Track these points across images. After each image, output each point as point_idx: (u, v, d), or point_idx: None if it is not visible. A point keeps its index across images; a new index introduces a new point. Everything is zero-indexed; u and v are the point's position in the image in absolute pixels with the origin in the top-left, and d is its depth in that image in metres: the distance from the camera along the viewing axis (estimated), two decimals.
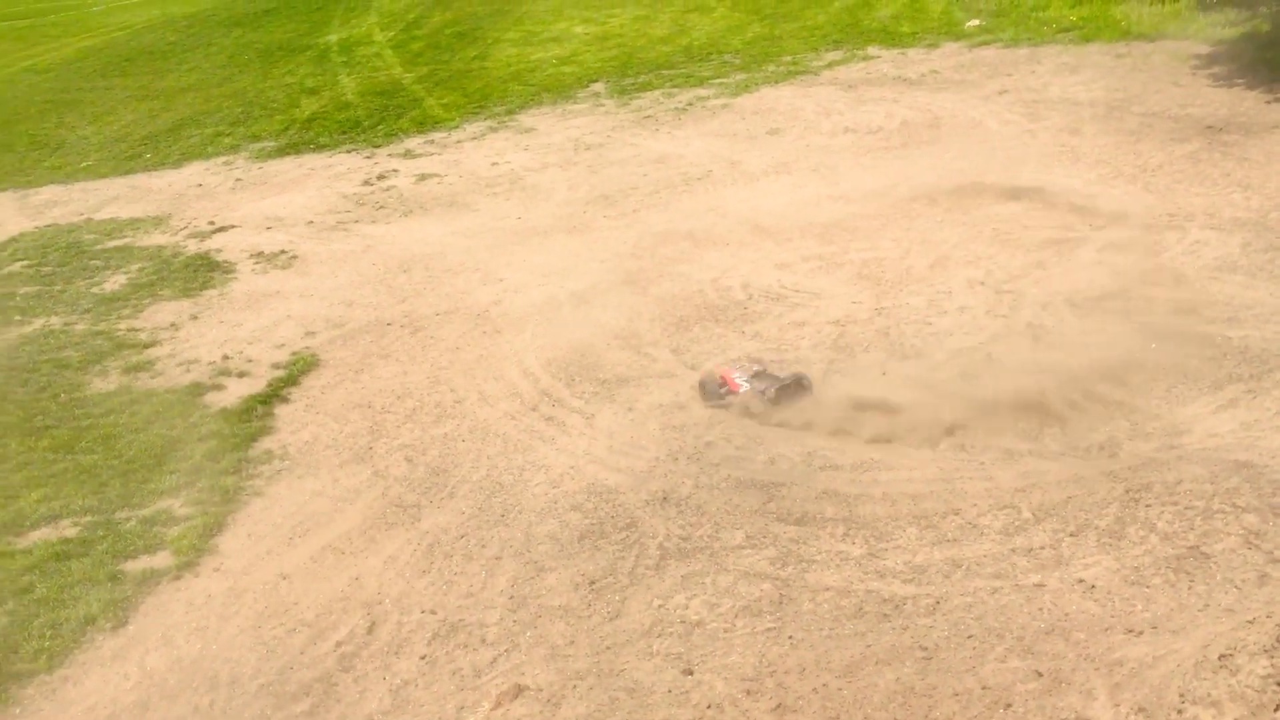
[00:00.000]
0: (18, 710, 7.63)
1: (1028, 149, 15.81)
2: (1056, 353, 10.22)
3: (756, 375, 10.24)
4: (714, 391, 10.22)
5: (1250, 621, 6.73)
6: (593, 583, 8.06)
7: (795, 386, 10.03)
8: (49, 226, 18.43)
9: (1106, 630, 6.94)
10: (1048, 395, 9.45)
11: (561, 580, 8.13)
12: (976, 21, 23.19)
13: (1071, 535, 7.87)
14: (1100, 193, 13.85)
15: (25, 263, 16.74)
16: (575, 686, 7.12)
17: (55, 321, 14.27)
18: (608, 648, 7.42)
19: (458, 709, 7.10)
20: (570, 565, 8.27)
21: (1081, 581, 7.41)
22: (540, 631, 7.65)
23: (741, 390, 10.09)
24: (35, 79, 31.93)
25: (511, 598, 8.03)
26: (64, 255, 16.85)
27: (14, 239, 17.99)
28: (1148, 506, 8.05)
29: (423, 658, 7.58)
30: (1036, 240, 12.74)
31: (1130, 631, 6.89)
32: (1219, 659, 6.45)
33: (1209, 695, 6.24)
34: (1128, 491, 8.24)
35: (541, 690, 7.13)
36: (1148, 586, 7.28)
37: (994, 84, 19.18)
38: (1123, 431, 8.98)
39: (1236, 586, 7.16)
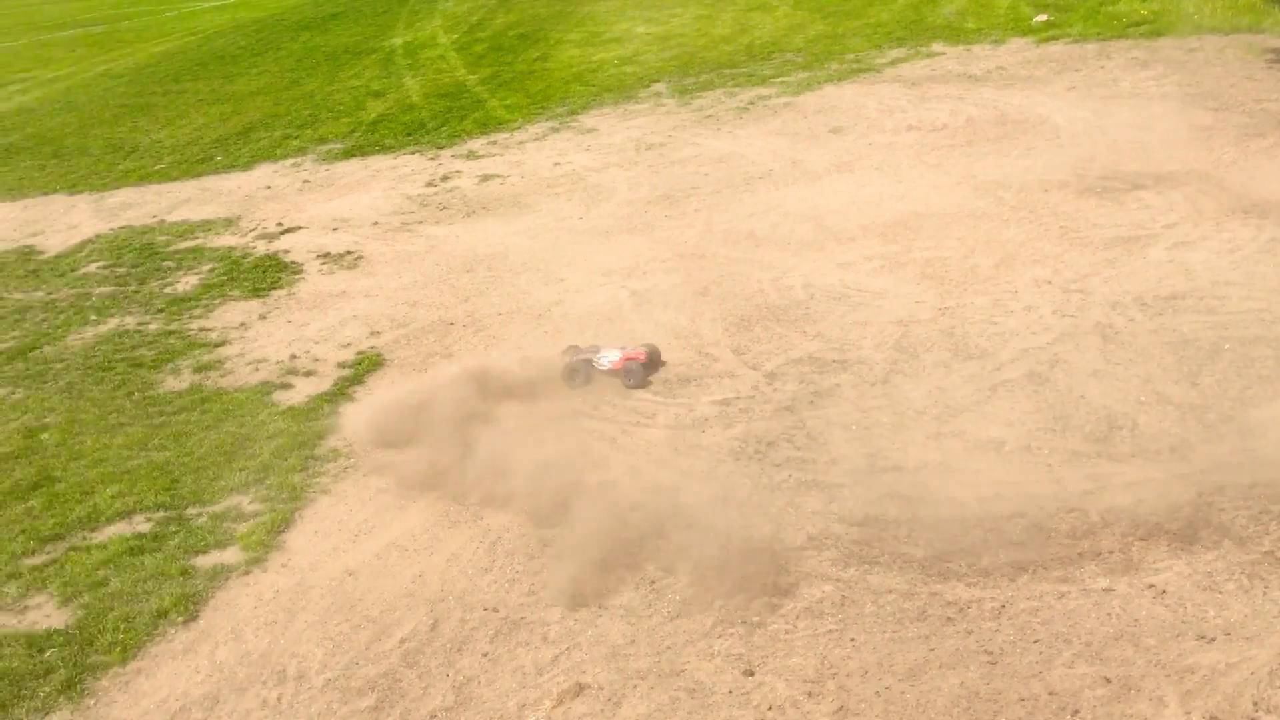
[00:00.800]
0: (92, 701, 7.82)
1: (1097, 146, 15.54)
2: (1126, 353, 10.04)
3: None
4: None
5: None
6: (653, 582, 8.07)
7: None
8: (123, 228, 18.86)
9: (1178, 636, 6.80)
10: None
11: (621, 579, 8.15)
12: (1044, 17, 22.84)
13: (1141, 539, 7.72)
14: (1172, 189, 13.57)
15: (101, 264, 17.15)
16: (636, 686, 7.13)
17: (129, 321, 14.61)
18: (668, 647, 7.42)
19: (519, 706, 7.15)
20: (631, 564, 8.28)
21: (1152, 586, 7.27)
22: (601, 630, 7.68)
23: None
24: (110, 83, 32.71)
25: (572, 596, 8.06)
26: (138, 256, 17.24)
27: (90, 240, 18.44)
28: (1221, 510, 7.87)
29: (485, 655, 7.65)
30: (1105, 238, 12.52)
31: (1202, 638, 6.75)
32: None
33: None
34: (1200, 495, 8.06)
35: (602, 689, 7.15)
36: (1221, 592, 7.12)
37: (1062, 80, 18.88)
38: (1194, 434, 8.79)
39: None
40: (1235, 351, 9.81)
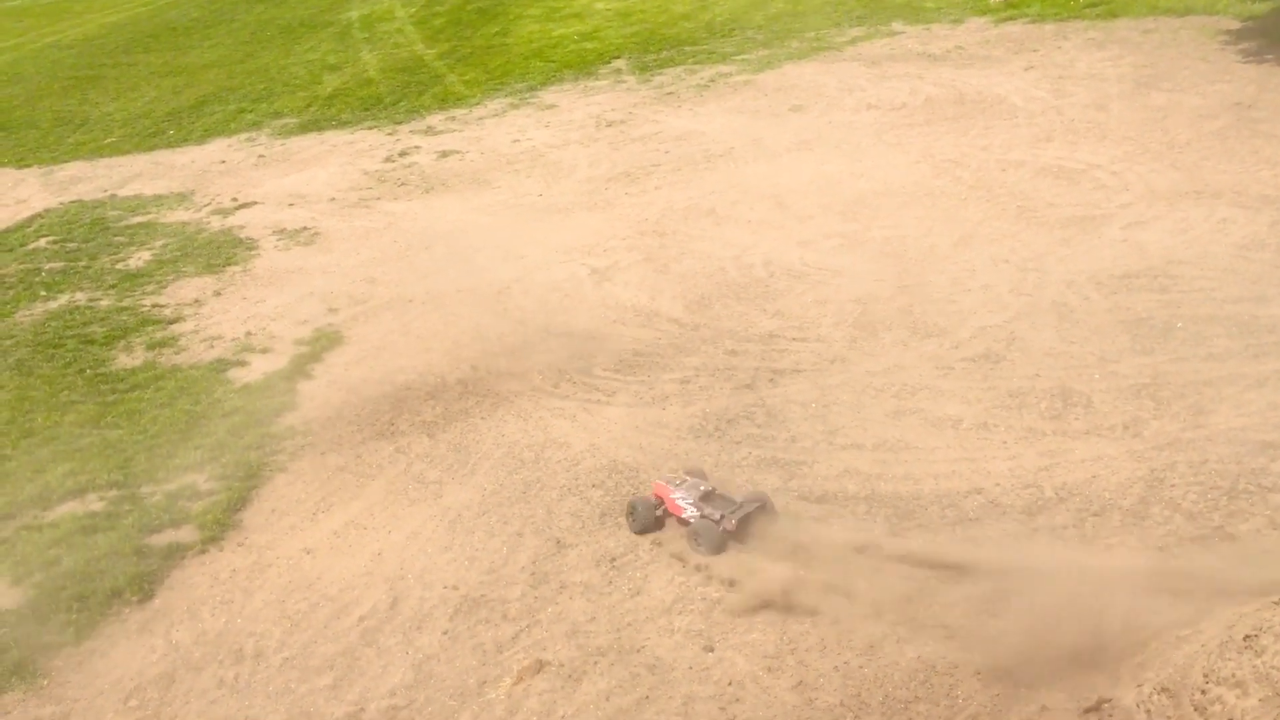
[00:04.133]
0: (45, 681, 7.73)
1: (1053, 125, 15.66)
2: (1081, 331, 10.16)
3: (706, 497, 8.05)
4: (646, 515, 8.15)
5: (1276, 602, 6.67)
6: (614, 560, 8.07)
7: (758, 511, 7.97)
8: (74, 203, 18.52)
9: (1130, 610, 6.90)
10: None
11: (583, 557, 8.15)
12: None
13: (1095, 515, 7.83)
14: (1126, 169, 13.71)
15: (50, 239, 16.83)
16: (596, 663, 7.15)
17: (80, 297, 14.36)
18: (629, 624, 7.44)
19: (479, 683, 7.14)
20: (592, 542, 8.29)
21: (1105, 561, 7.37)
22: (561, 608, 7.68)
23: (688, 515, 8.00)
24: (59, 55, 32.04)
25: (533, 574, 8.05)
26: (88, 231, 16.93)
27: (39, 215, 18.09)
28: (1172, 486, 8.00)
29: (445, 633, 7.63)
30: (1061, 218, 12.63)
31: (1154, 612, 6.85)
32: (1244, 639, 6.41)
33: (1233, 675, 6.20)
34: (1152, 471, 8.18)
35: (562, 666, 7.16)
36: (1172, 567, 7.24)
37: (1020, 60, 18.98)
38: (1147, 411, 8.91)
39: (1262, 567, 7.10)
40: (1188, 330, 9.95)
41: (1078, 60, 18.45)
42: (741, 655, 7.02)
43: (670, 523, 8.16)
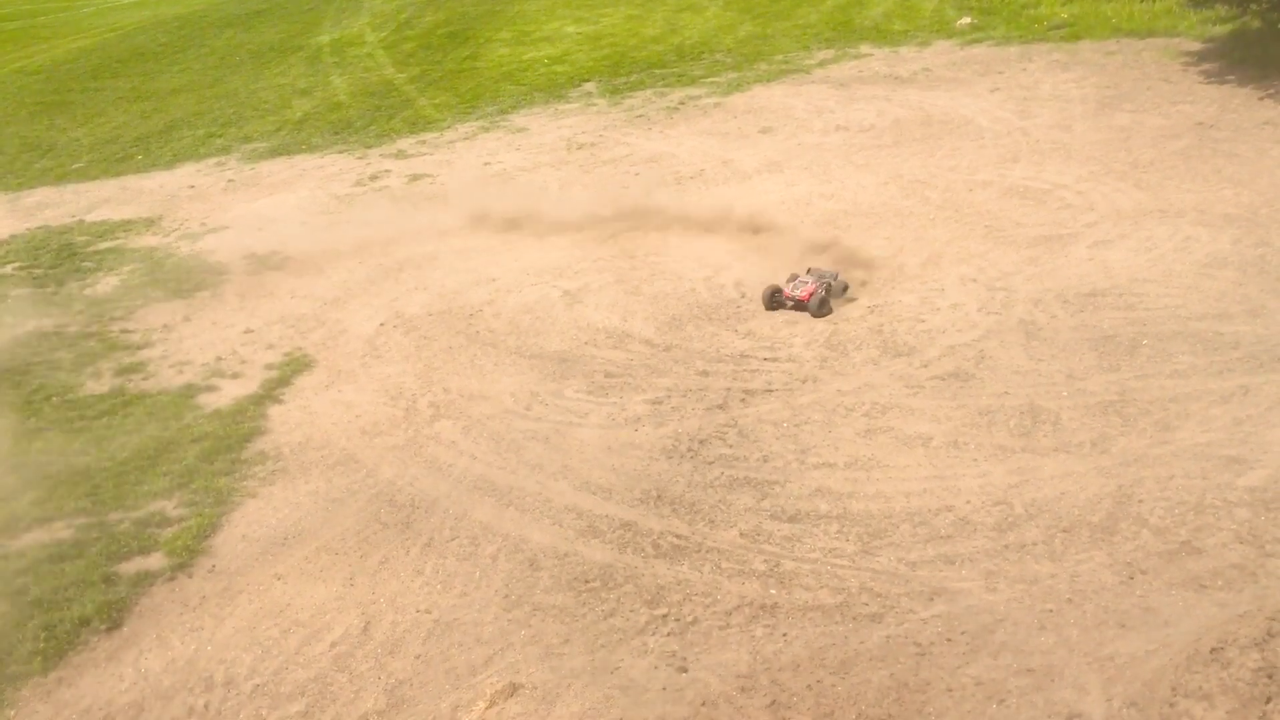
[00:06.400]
0: (12, 712, 7.62)
1: (1019, 146, 15.86)
2: (1049, 349, 10.26)
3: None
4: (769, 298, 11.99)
5: (1241, 615, 6.76)
6: (587, 581, 8.07)
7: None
8: (40, 228, 18.38)
9: (1099, 625, 6.96)
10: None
11: (556, 579, 8.14)
12: (968, 20, 23.23)
13: (1064, 531, 7.90)
14: (1092, 189, 13.89)
15: (17, 265, 16.70)
16: (570, 685, 7.13)
17: (47, 323, 14.24)
18: (602, 645, 7.43)
19: (452, 708, 7.11)
20: (565, 564, 8.28)
21: (1074, 577, 7.44)
22: (535, 630, 7.66)
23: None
24: (26, 80, 31.85)
25: (506, 596, 8.03)
26: (55, 257, 16.81)
27: (5, 241, 17.94)
28: (1140, 502, 8.08)
29: (417, 657, 7.59)
30: (1029, 237, 12.78)
31: (1122, 626, 6.92)
32: (1210, 652, 6.48)
33: (1200, 689, 6.26)
34: (1120, 487, 8.26)
35: (536, 688, 7.13)
36: (1140, 581, 7.30)
37: (985, 82, 19.22)
38: (1114, 428, 9.01)
39: (1228, 580, 7.19)
40: (1153, 346, 10.07)
41: (1042, 82, 18.70)
42: (715, 675, 7.03)
43: None
